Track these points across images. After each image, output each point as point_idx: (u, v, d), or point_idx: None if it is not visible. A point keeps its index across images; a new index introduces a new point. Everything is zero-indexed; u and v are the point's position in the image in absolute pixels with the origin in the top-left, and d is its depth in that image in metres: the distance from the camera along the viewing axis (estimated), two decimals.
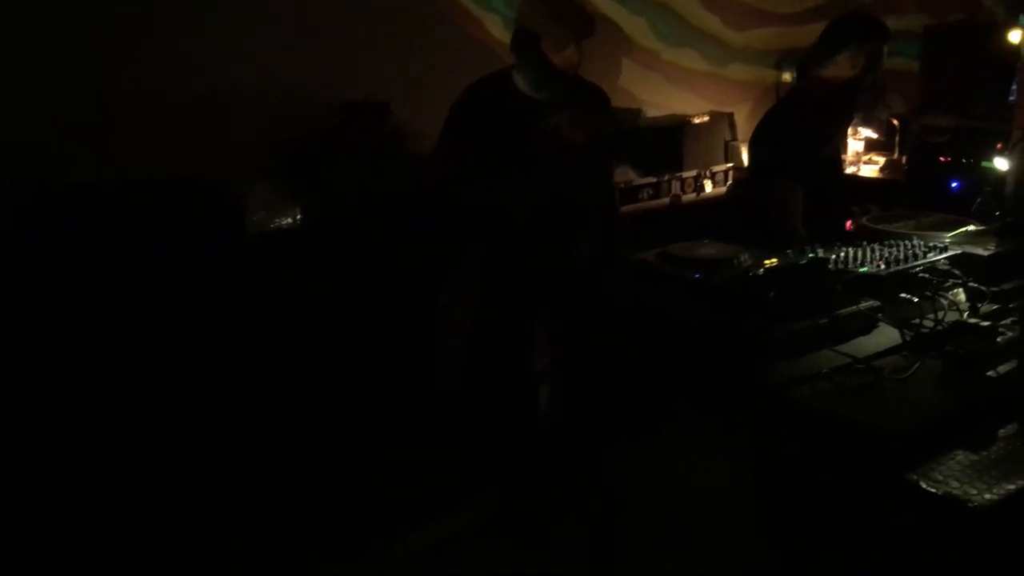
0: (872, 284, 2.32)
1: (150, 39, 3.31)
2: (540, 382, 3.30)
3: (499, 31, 4.10)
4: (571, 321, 3.27)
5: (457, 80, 3.48)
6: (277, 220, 3.31)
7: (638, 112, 4.62)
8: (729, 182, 4.66)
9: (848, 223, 2.88)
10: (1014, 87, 4.00)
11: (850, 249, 2.54)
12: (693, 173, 4.52)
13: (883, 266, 2.38)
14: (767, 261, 2.32)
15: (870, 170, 4.71)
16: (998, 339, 2.12)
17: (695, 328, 2.18)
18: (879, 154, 4.80)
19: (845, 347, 2.14)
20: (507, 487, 3.18)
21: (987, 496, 1.63)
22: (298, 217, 3.32)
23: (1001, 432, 1.85)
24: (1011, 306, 2.32)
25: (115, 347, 2.90)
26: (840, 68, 3.22)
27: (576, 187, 3.19)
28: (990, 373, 2.03)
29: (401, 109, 3.66)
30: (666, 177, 4.42)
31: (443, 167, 3.08)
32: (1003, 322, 2.21)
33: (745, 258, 2.34)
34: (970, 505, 1.61)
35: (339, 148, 3.48)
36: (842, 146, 3.67)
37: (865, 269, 2.36)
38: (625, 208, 4.26)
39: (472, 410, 3.27)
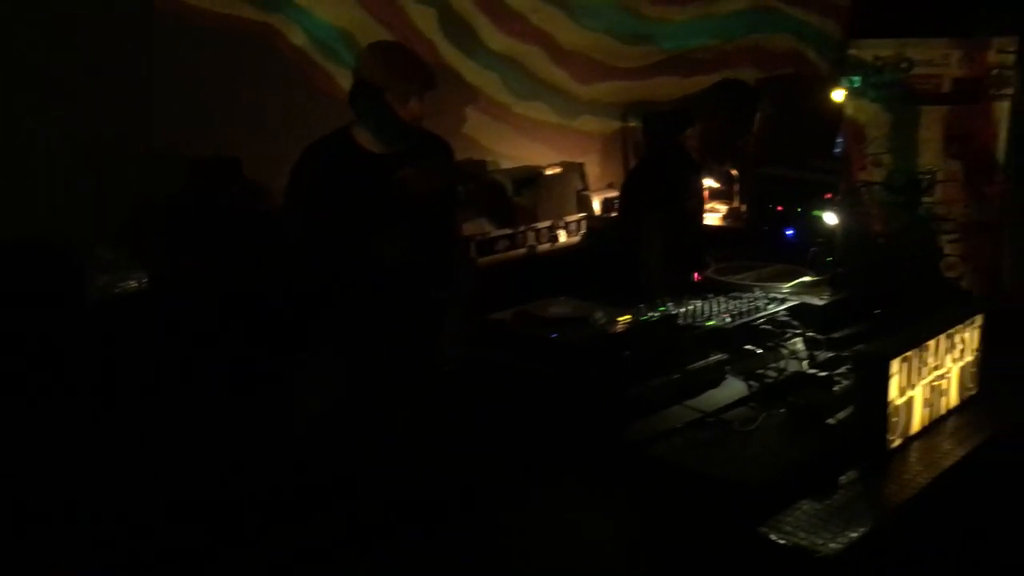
0: (719, 337, 2.42)
1: None
2: (400, 443, 3.28)
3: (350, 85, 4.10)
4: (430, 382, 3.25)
5: (311, 135, 3.43)
6: (122, 284, 3.17)
7: (483, 163, 4.69)
8: (582, 231, 4.78)
9: (695, 275, 3.00)
10: (840, 140, 4.31)
11: (698, 302, 2.65)
12: (547, 223, 4.61)
13: (729, 319, 2.49)
14: (621, 318, 2.38)
15: (713, 218, 4.93)
16: (835, 388, 2.24)
17: (553, 389, 2.21)
18: (720, 202, 5.04)
19: (697, 401, 2.22)
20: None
21: (832, 545, 1.72)
22: (144, 280, 3.19)
23: (842, 479, 1.96)
24: (845, 354, 2.46)
25: None
26: (713, 129, 3.41)
27: (428, 241, 3.20)
28: (830, 421, 2.15)
29: (254, 166, 3.59)
30: (521, 228, 4.49)
31: (291, 230, 3.02)
32: (839, 371, 2.35)
33: (600, 316, 2.39)
34: (817, 555, 1.70)
35: (188, 207, 3.38)
36: (700, 198, 3.86)
37: (713, 323, 2.46)
38: (483, 260, 4.31)
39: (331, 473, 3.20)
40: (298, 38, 3.94)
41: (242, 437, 3.22)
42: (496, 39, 4.70)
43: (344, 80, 4.08)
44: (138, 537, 2.94)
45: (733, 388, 2.31)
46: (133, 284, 3.17)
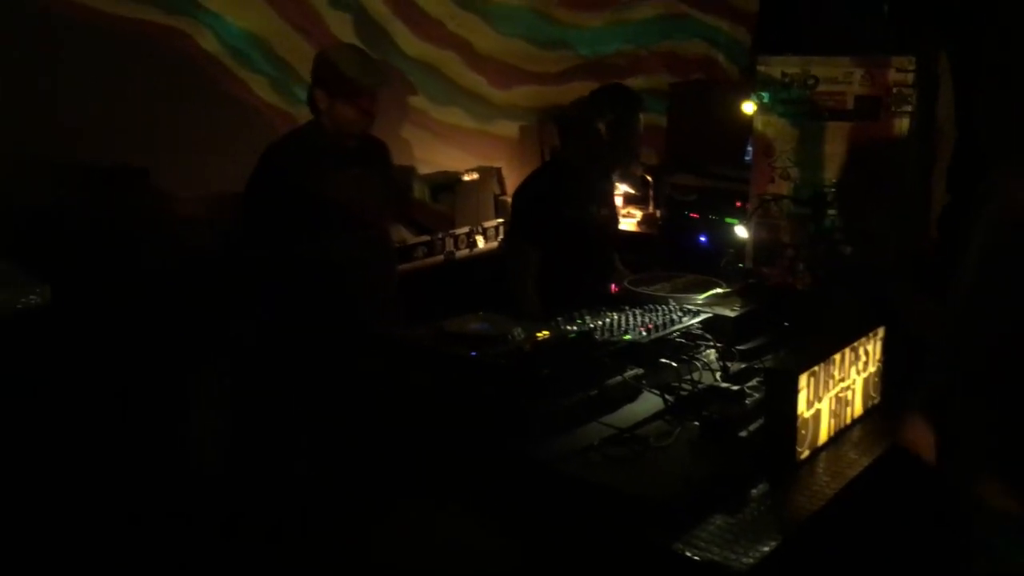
0: (636, 351, 2.46)
1: None
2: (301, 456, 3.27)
3: (266, 92, 4.03)
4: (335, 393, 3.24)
5: (223, 143, 3.37)
6: (23, 299, 3.04)
7: (412, 169, 4.68)
8: (500, 237, 4.80)
9: (613, 286, 3.04)
10: (750, 148, 4.41)
11: (614, 314, 2.68)
12: (465, 229, 4.62)
13: (645, 333, 2.53)
14: (540, 334, 2.40)
15: (628, 223, 5.00)
16: (747, 400, 2.30)
17: (471, 407, 2.22)
18: (636, 207, 5.12)
19: (613, 417, 2.24)
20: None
21: (744, 560, 1.76)
22: (48, 296, 3.07)
23: (753, 492, 2.01)
24: (756, 366, 2.53)
25: None
26: (597, 136, 3.43)
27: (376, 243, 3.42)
28: (742, 434, 2.20)
29: (163, 175, 3.49)
30: (440, 235, 4.48)
31: (259, 231, 3.18)
32: (750, 383, 2.41)
33: (518, 332, 2.40)
34: (731, 571, 1.74)
35: (93, 219, 3.27)
36: (612, 207, 3.89)
37: (629, 337, 2.49)
38: (401, 267, 4.28)
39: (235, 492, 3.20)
40: (209, 44, 3.84)
41: (147, 453, 3.17)
42: (412, 45, 4.68)
43: (259, 87, 4.04)
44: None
45: (650, 402, 2.34)
46: (35, 299, 3.05)
